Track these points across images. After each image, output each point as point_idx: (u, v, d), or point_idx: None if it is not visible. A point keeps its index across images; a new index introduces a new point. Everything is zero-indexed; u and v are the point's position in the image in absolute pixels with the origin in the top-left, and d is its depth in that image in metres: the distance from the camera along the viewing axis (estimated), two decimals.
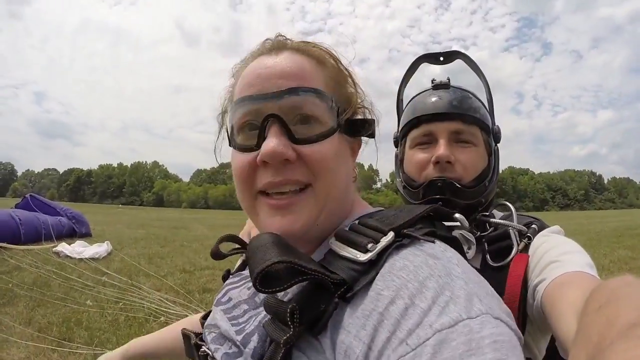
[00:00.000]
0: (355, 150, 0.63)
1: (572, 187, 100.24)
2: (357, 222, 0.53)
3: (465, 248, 0.55)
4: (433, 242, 0.48)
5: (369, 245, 0.46)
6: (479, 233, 0.86)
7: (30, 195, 9.01)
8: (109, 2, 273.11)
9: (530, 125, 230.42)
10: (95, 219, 14.14)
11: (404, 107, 1.02)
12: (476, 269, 0.49)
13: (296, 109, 0.53)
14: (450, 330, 0.36)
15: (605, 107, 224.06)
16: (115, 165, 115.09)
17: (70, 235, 8.16)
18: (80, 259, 5.91)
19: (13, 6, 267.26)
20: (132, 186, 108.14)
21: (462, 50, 1.03)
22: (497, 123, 0.97)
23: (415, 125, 0.92)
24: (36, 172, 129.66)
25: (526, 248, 0.79)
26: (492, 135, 0.94)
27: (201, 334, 0.63)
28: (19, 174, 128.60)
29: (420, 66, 1.07)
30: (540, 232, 0.81)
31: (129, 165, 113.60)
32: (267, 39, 0.60)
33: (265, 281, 0.43)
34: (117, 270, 5.39)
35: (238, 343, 0.50)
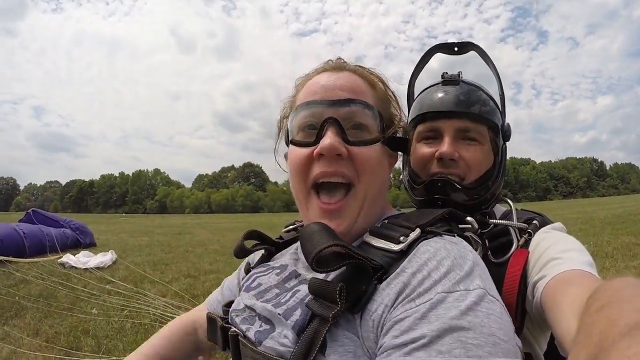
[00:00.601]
0: (392, 164, 0.72)
1: (574, 175, 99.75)
2: (385, 221, 0.63)
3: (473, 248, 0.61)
4: (453, 235, 0.57)
5: (401, 238, 0.54)
6: (479, 230, 0.85)
7: (33, 210, 9.00)
8: (102, 14, 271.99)
9: (529, 115, 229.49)
10: (99, 228, 14.19)
11: (414, 97, 1.00)
12: None
13: (351, 116, 0.62)
14: (448, 294, 0.45)
15: (605, 93, 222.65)
16: (117, 175, 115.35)
17: (75, 246, 8.17)
18: (86, 269, 5.93)
19: (7, 23, 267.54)
20: (135, 194, 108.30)
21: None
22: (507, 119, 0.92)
23: (422, 121, 0.91)
24: (38, 185, 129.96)
25: (527, 243, 0.78)
26: (502, 133, 0.91)
27: (226, 318, 0.70)
28: (22, 188, 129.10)
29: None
30: (542, 229, 0.80)
31: (130, 174, 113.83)
32: (329, 60, 0.71)
33: (318, 262, 0.50)
34: (123, 278, 5.42)
35: (279, 315, 0.56)
